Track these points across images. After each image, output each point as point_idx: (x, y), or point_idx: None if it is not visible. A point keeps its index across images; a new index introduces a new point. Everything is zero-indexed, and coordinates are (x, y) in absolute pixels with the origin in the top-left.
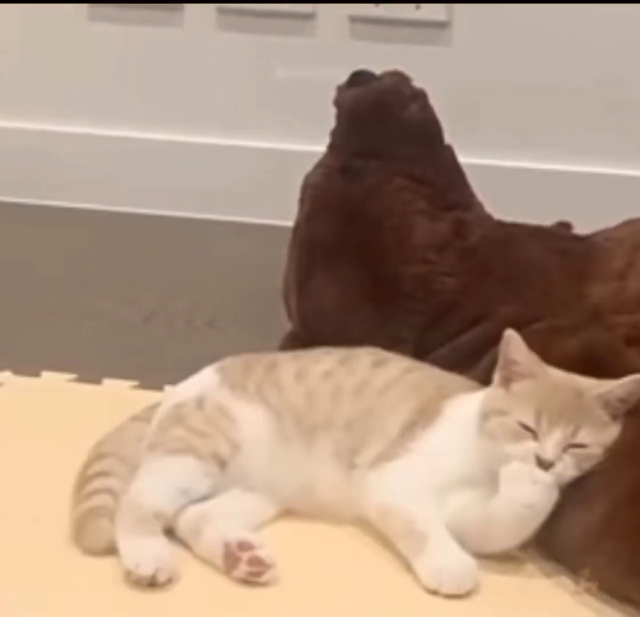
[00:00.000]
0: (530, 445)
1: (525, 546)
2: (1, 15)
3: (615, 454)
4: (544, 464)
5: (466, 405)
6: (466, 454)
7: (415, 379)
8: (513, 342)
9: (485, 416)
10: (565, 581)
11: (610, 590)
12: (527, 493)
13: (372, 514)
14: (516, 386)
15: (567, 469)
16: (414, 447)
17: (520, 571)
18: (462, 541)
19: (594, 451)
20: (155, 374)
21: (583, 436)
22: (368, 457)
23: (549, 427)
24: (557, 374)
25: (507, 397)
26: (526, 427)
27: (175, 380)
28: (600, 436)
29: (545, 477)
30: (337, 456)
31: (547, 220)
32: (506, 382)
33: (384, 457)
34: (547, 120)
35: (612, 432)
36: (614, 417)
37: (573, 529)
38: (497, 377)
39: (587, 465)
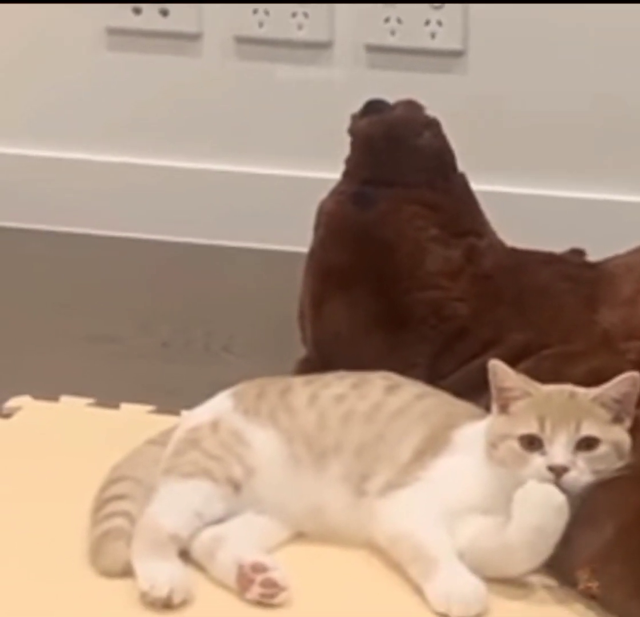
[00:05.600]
0: (539, 461)
1: (536, 570)
2: (19, 43)
3: (623, 477)
4: (558, 471)
5: (474, 434)
6: (475, 483)
7: (425, 406)
8: (499, 371)
9: (492, 445)
10: (578, 606)
11: (616, 611)
12: (537, 516)
13: (382, 541)
14: (513, 408)
15: (583, 474)
16: (423, 475)
17: (531, 595)
18: (482, 567)
19: (605, 450)
20: (172, 398)
21: (587, 428)
22: (378, 485)
23: (553, 431)
24: (548, 386)
25: (508, 420)
26: (532, 438)
27: (191, 404)
28: (606, 433)
29: (557, 496)
30: (347, 480)
31: (560, 247)
32: (504, 408)
33: (393, 485)
34: (561, 148)
35: (618, 433)
36: (616, 419)
37: (581, 550)
38: (494, 407)
39: (602, 467)
